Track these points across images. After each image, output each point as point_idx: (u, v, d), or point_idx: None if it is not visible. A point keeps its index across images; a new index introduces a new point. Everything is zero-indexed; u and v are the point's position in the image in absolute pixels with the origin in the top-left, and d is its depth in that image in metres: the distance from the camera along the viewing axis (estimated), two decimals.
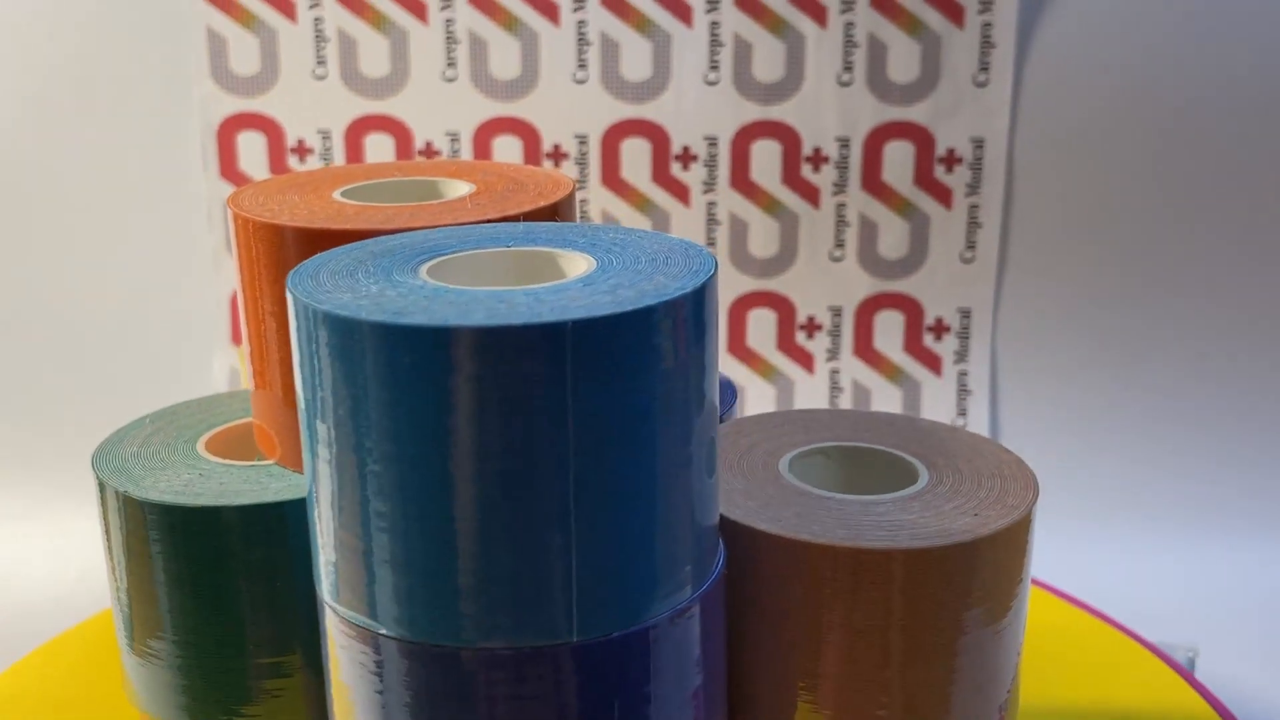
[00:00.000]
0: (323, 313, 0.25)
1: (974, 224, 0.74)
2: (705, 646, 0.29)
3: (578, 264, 0.29)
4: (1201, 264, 0.74)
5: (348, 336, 0.25)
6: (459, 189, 0.41)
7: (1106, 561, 0.70)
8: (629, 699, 0.27)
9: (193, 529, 0.34)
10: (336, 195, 0.39)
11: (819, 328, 0.77)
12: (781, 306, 0.77)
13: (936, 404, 0.77)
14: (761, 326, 0.77)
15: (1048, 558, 0.64)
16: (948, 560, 0.29)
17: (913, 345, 0.76)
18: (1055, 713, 0.47)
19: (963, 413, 0.77)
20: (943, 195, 0.74)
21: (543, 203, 0.38)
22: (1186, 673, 0.50)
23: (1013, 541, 0.31)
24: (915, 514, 0.31)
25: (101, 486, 0.36)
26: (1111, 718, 0.47)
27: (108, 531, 0.36)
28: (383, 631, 0.27)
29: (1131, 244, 0.74)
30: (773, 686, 0.31)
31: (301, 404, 0.27)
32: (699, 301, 0.27)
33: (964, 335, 0.76)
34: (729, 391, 0.42)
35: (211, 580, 0.34)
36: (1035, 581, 0.59)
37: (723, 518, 0.31)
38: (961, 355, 0.77)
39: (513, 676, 0.26)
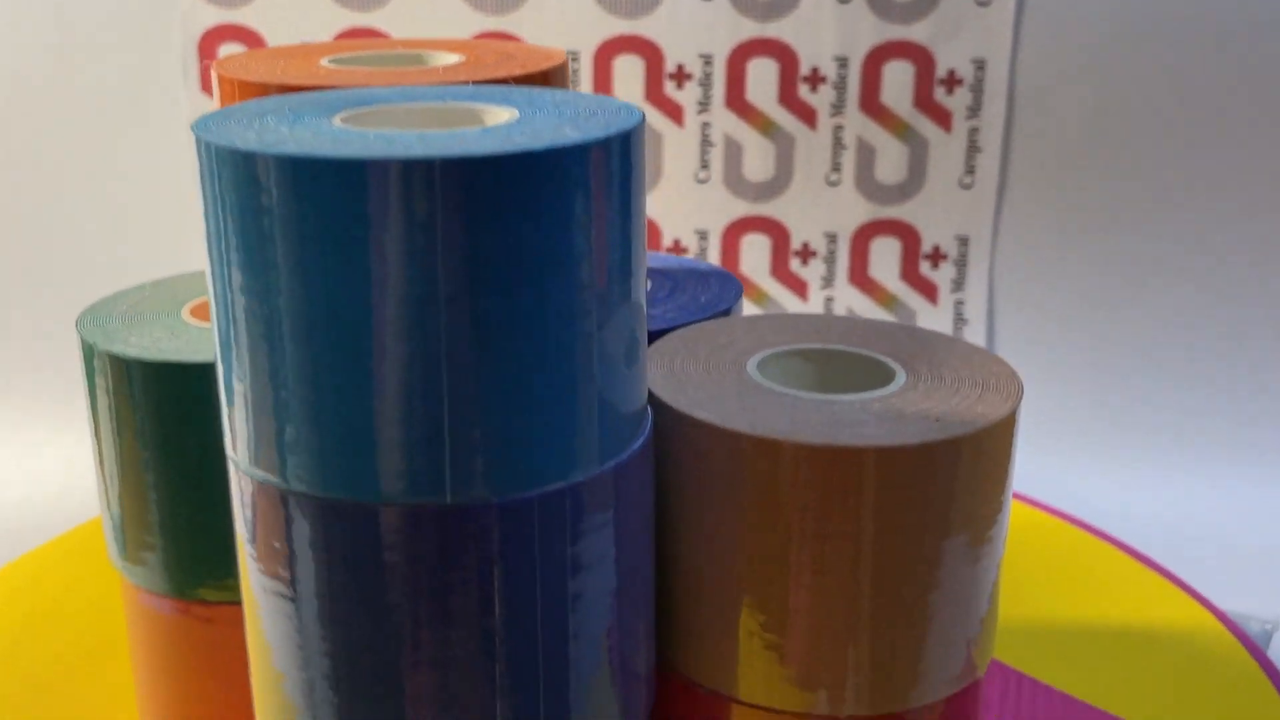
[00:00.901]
0: (218, 147, 0.24)
1: (974, 148, 0.72)
2: (624, 529, 0.27)
3: (499, 116, 0.28)
4: (1204, 190, 0.72)
5: (237, 170, 0.24)
6: (448, 59, 0.40)
7: (1105, 485, 0.69)
8: (546, 564, 0.26)
9: (150, 384, 0.34)
10: (324, 62, 0.39)
11: (814, 254, 0.75)
12: (776, 232, 0.75)
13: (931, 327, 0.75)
14: (755, 252, 0.75)
15: (1045, 481, 0.63)
16: (918, 461, 0.28)
17: (909, 273, 0.75)
18: (1058, 630, 0.47)
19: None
20: (942, 118, 0.72)
21: (532, 69, 0.36)
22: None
23: (993, 446, 0.30)
24: (882, 413, 0.29)
25: (82, 345, 0.36)
26: (1116, 632, 0.47)
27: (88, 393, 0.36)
28: (293, 489, 0.25)
29: (1136, 171, 0.72)
30: (720, 598, 0.30)
31: (207, 251, 0.26)
32: (606, 156, 0.25)
33: (961, 263, 0.75)
34: (731, 287, 0.40)
35: (179, 438, 0.34)
36: (1031, 501, 0.58)
37: (663, 405, 0.29)
38: (958, 284, 0.75)
39: (417, 534, 0.25)
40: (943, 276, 0.75)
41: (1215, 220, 0.72)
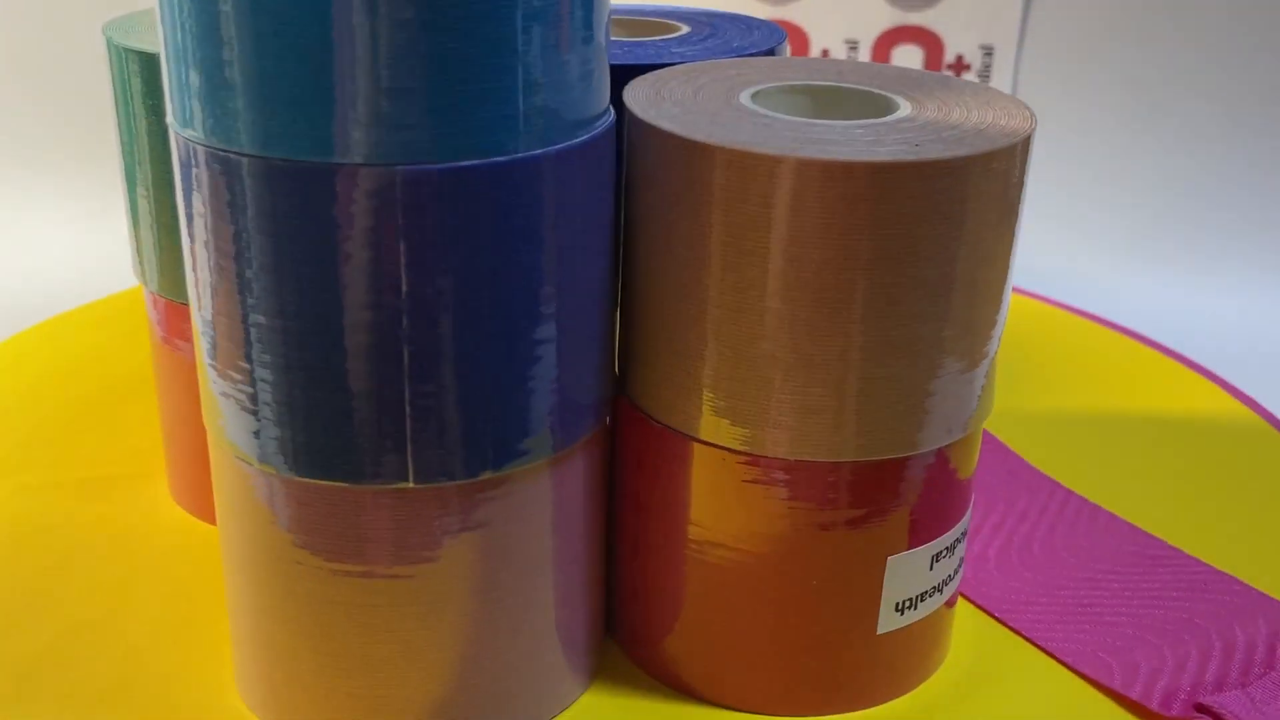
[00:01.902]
0: None
1: None
2: (565, 218, 0.26)
3: None
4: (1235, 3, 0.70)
5: None
6: None
7: (1133, 290, 0.68)
8: (475, 236, 0.25)
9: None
10: None
11: None
12: (796, 37, 0.73)
13: None
14: None
15: (1071, 286, 0.62)
16: (917, 178, 0.27)
17: None
18: (1085, 422, 0.46)
19: None
20: None
21: None
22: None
23: (1002, 169, 0.28)
24: (879, 134, 0.28)
25: (107, 44, 0.35)
26: (1147, 424, 0.46)
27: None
28: (245, 152, 0.25)
29: None
30: (682, 325, 0.29)
31: None
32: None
33: (985, 75, 0.73)
34: (775, 36, 0.38)
35: None
36: (1057, 303, 0.57)
37: (635, 119, 0.28)
38: None
39: (363, 200, 0.24)
40: None
41: (1246, 32, 0.70)
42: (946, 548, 0.31)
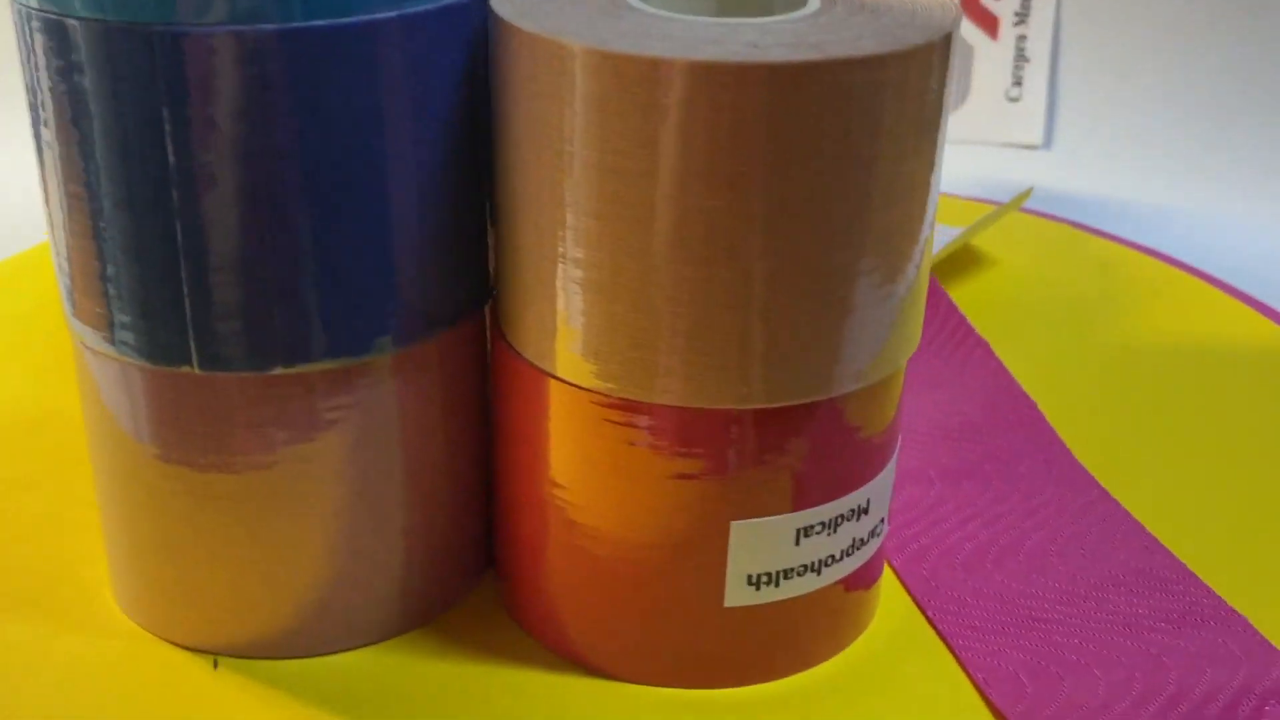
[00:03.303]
0: None
1: None
2: (397, 94, 0.25)
3: None
4: None
5: None
6: None
7: (1180, 221, 0.60)
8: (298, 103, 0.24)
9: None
10: None
11: None
12: None
13: (989, 72, 0.66)
14: None
15: (1116, 217, 0.58)
16: (821, 82, 0.23)
17: (968, 2, 0.66)
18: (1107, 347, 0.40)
19: (1018, 82, 0.66)
20: None
21: None
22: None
23: (919, 73, 0.24)
24: (783, 34, 0.24)
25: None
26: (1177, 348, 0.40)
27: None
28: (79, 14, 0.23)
29: None
30: (542, 245, 0.26)
31: None
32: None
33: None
34: None
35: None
36: (1097, 231, 0.53)
37: (497, 20, 0.25)
38: (1022, 16, 0.66)
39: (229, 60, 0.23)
40: (1005, 8, 0.66)
41: None
42: (822, 523, 0.27)
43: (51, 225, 0.26)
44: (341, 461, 0.27)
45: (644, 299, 0.25)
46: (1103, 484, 0.35)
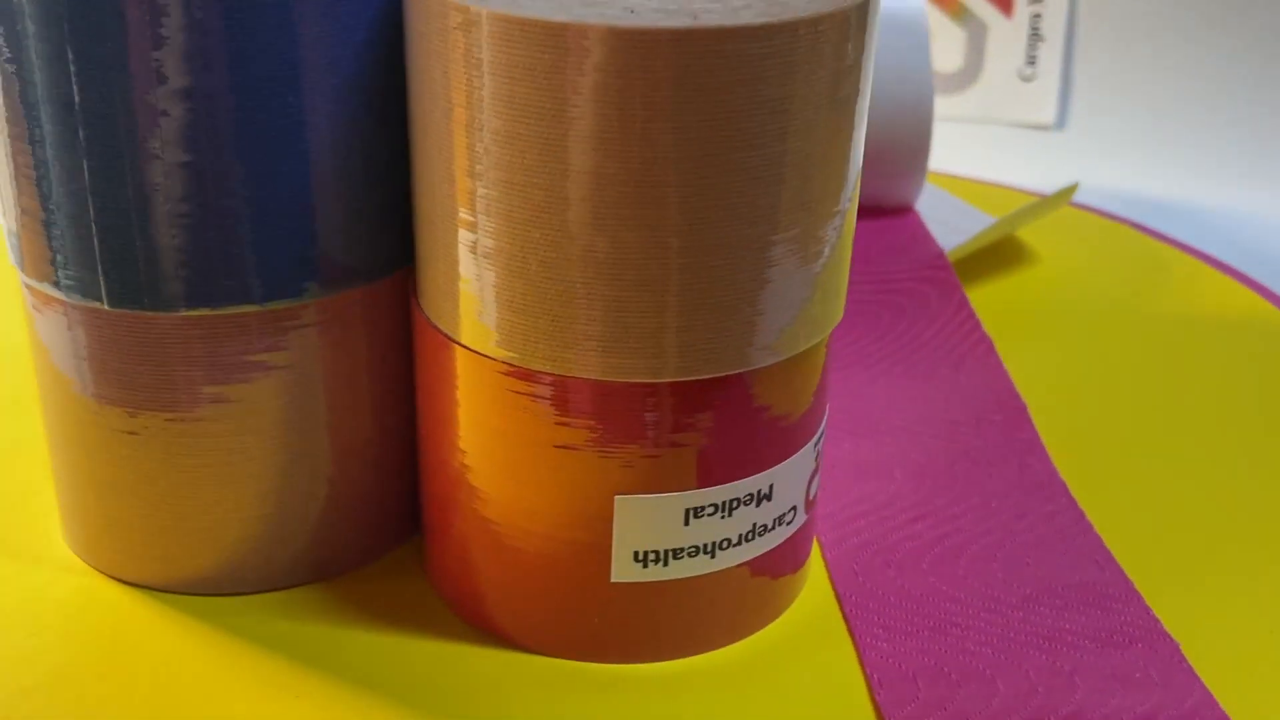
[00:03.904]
0: None
1: None
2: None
3: None
4: None
5: None
6: None
7: (1201, 203, 0.57)
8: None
9: None
10: None
11: None
12: None
13: (1003, 49, 0.65)
14: None
15: (1130, 197, 0.57)
16: (730, 47, 0.22)
17: None
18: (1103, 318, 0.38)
19: (1032, 61, 0.64)
20: None
21: None
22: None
23: (834, 39, 0.23)
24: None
25: None
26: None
27: None
28: None
29: None
30: (442, 206, 0.25)
31: None
32: None
33: None
34: None
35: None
36: (1103, 213, 0.51)
37: None
38: None
39: None
40: None
41: None
42: (715, 505, 0.27)
43: None
44: (265, 408, 0.28)
45: (553, 270, 0.24)
46: (1083, 494, 0.34)
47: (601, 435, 0.26)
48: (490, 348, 0.26)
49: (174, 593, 0.29)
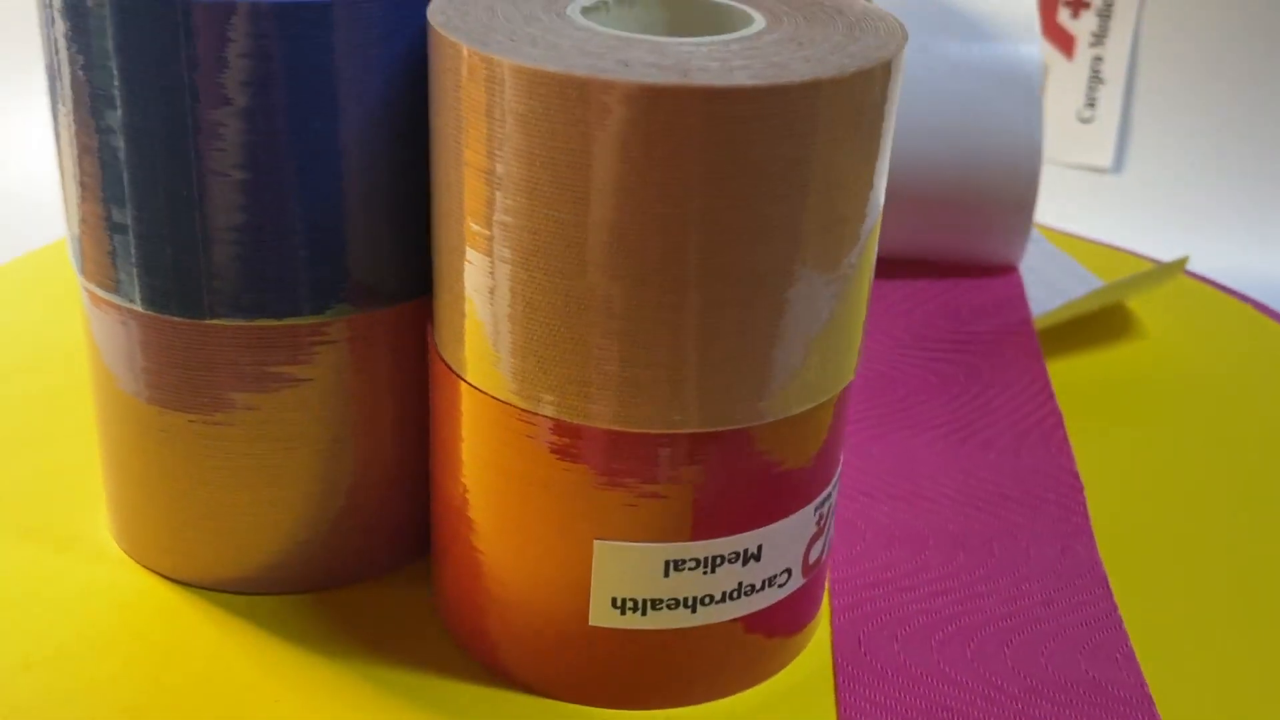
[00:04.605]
0: None
1: None
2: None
3: None
4: None
5: None
6: None
7: (1256, 257, 0.55)
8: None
9: None
10: None
11: None
12: None
13: (1063, 91, 0.65)
14: None
15: (1185, 249, 0.56)
16: (748, 106, 0.22)
17: (1045, 20, 0.64)
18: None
19: (1091, 103, 0.64)
20: None
21: None
22: None
23: (856, 99, 0.23)
24: (716, 55, 0.24)
25: None
26: None
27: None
28: None
29: None
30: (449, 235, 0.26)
31: None
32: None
33: (1105, 14, 0.64)
34: None
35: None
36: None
37: (431, 29, 0.25)
38: (1099, 37, 0.64)
39: None
40: (1083, 27, 0.64)
41: None
42: (696, 559, 0.26)
43: (64, 178, 0.29)
44: (286, 418, 0.29)
45: (570, 318, 0.25)
46: (1124, 589, 0.32)
47: (593, 480, 0.26)
48: (497, 389, 0.26)
49: (191, 587, 0.31)
